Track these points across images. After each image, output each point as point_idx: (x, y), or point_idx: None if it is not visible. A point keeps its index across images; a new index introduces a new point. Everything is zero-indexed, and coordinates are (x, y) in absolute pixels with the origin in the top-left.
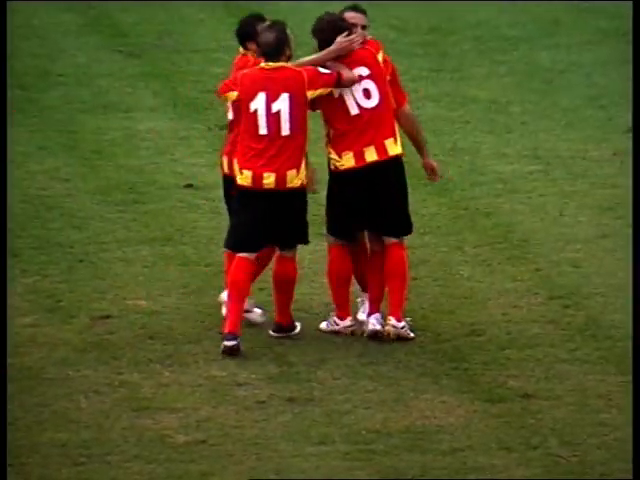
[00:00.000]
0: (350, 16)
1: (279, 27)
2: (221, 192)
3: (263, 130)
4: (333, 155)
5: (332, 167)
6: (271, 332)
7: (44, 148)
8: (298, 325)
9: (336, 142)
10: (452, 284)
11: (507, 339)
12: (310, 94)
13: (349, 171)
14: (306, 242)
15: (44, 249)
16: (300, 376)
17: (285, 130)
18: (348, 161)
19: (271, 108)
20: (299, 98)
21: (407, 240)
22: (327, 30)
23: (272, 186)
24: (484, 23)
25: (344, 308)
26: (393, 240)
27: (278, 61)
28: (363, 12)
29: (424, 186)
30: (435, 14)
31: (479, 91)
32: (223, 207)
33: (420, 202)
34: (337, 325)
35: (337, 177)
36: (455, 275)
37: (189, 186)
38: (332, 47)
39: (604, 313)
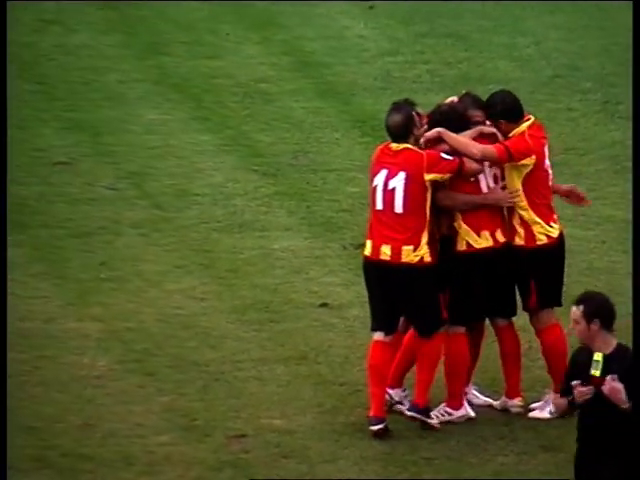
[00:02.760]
0: (476, 114)
1: (406, 108)
2: (356, 311)
3: (379, 205)
4: (471, 234)
5: (462, 247)
6: (407, 411)
7: (180, 267)
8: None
9: (471, 220)
10: None
11: None
12: (428, 177)
13: (486, 250)
14: (429, 332)
15: (180, 368)
16: None
17: (398, 208)
18: (487, 240)
19: (388, 185)
20: (415, 178)
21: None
22: (455, 120)
23: (387, 258)
24: (619, 143)
25: (459, 397)
26: (509, 321)
27: (405, 142)
28: (482, 107)
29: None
30: (569, 135)
31: (615, 211)
32: (358, 326)
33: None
34: (450, 415)
35: (472, 258)
36: None
37: (324, 305)
38: (474, 130)
39: None
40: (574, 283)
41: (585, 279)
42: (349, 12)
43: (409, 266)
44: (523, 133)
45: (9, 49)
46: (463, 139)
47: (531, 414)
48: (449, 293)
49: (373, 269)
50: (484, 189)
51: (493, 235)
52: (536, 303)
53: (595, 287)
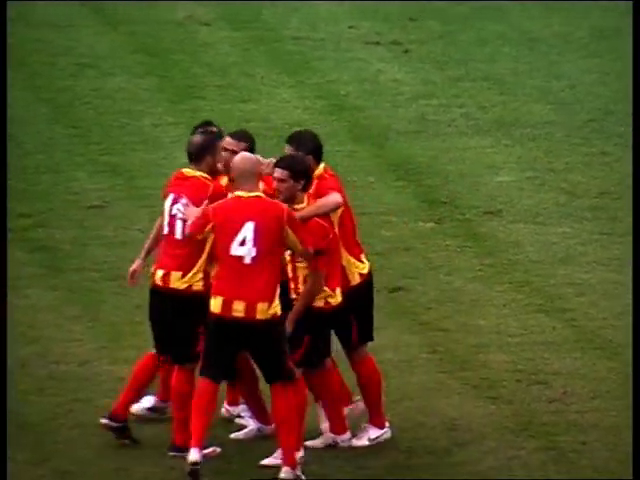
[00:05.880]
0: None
1: (211, 133)
2: (389, 354)
3: (166, 229)
4: (329, 292)
5: (320, 304)
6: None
7: None
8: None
9: (330, 281)
10: (622, 449)
11: None
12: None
13: (340, 306)
14: (178, 360)
15: None
16: None
17: (178, 234)
18: (340, 296)
19: (172, 210)
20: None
21: (577, 405)
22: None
23: (160, 283)
24: None
25: (341, 423)
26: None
27: (198, 167)
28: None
29: (593, 350)
30: (604, 179)
31: None
32: (391, 369)
33: (590, 366)
34: (336, 441)
35: (329, 315)
36: (626, 440)
37: None
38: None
39: None
40: (610, 327)
41: (619, 323)
42: (383, 56)
43: (176, 292)
44: (323, 175)
45: (45, 94)
46: (318, 204)
47: (352, 442)
48: (308, 343)
49: (156, 298)
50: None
51: (342, 291)
52: (357, 339)
53: (629, 331)
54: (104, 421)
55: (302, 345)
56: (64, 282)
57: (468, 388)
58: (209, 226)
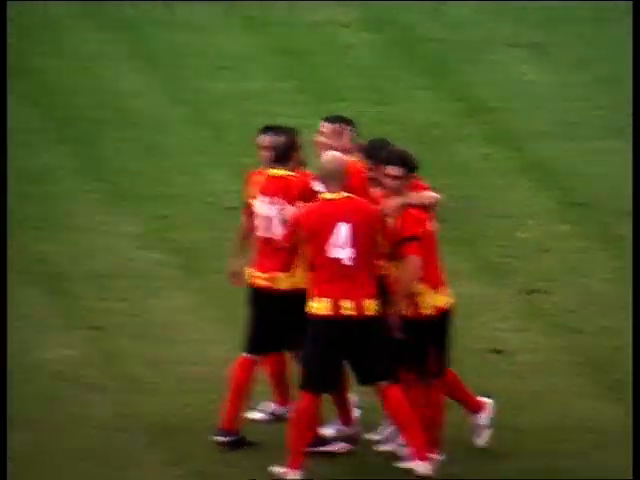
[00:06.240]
0: None
1: (289, 132)
2: (526, 357)
3: (261, 232)
4: (432, 294)
5: (428, 311)
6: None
7: None
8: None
9: (430, 278)
10: None
11: None
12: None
13: (450, 305)
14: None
15: None
16: None
17: (277, 234)
18: (448, 295)
19: (268, 212)
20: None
21: None
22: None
23: (264, 283)
24: None
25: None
26: None
27: (284, 167)
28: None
29: None
30: None
31: None
32: (527, 372)
33: None
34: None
35: (441, 318)
36: None
37: (495, 351)
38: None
39: None
40: None
41: None
42: (521, 57)
43: (285, 292)
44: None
45: (182, 96)
46: (421, 194)
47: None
48: (434, 353)
49: (260, 296)
50: None
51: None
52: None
53: None
54: (218, 439)
55: (427, 358)
56: (201, 283)
57: (607, 391)
58: (300, 233)
